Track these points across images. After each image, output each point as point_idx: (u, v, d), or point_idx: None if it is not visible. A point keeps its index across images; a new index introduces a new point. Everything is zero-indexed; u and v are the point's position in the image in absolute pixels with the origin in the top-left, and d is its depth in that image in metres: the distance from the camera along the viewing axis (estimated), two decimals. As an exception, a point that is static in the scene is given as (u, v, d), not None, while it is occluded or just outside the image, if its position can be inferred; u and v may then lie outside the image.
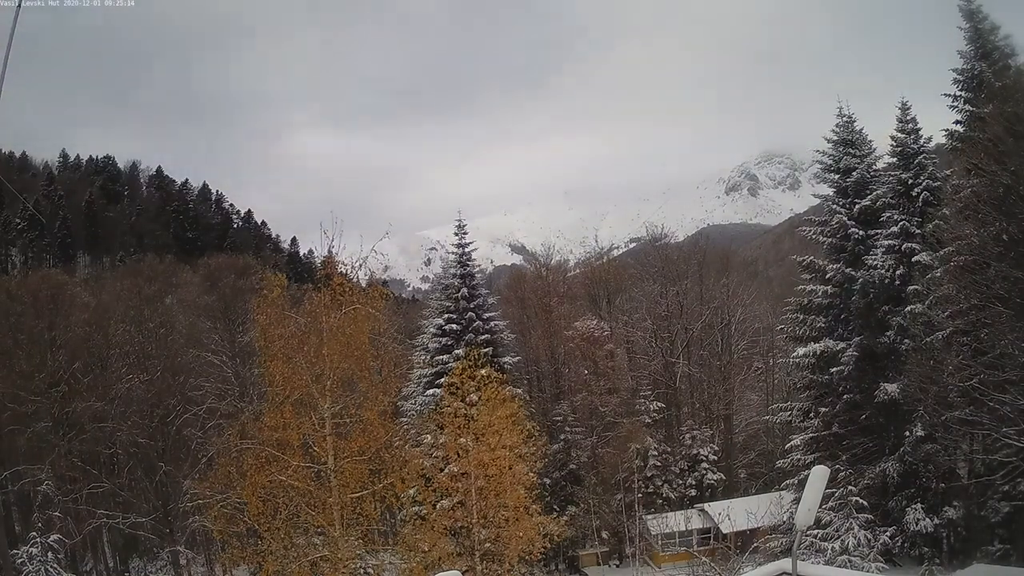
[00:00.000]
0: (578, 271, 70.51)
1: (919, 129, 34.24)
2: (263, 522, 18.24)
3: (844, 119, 36.47)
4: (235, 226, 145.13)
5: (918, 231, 32.28)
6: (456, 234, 41.94)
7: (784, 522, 32.31)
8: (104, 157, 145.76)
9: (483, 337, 38.99)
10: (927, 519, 29.80)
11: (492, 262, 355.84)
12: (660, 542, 40.36)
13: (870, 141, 36.89)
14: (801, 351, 35.71)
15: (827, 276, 35.50)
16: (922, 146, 33.94)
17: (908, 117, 34.58)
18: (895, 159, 35.04)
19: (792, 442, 36.60)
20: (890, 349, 31.83)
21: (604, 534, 42.52)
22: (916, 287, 30.73)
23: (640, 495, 40.43)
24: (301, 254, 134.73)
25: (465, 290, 40.74)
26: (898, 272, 32.13)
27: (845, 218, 35.18)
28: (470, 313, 40.36)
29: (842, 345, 34.08)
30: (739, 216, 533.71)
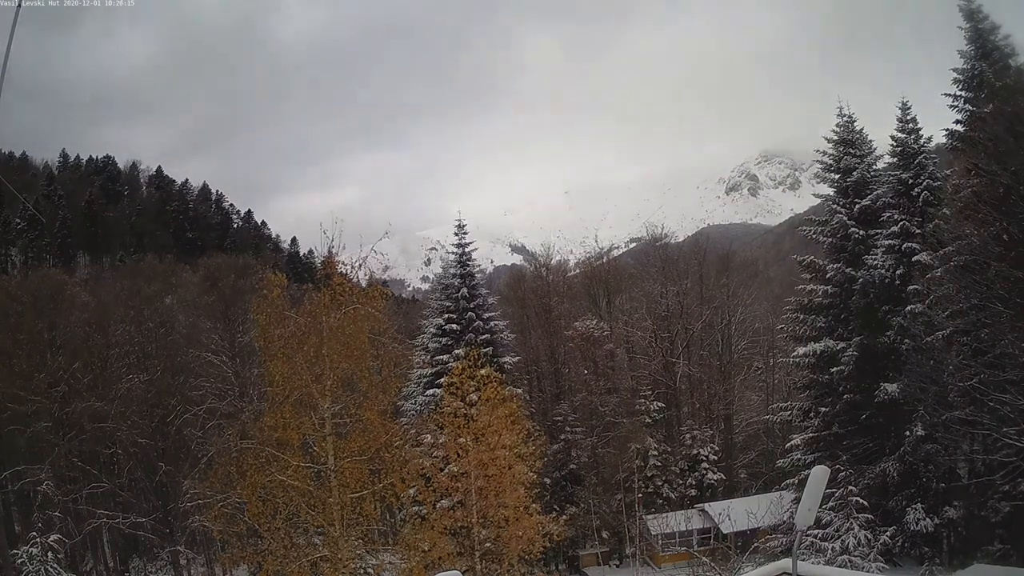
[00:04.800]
0: (578, 271, 70.29)
1: (919, 129, 34.35)
2: (263, 522, 18.23)
3: (844, 119, 36.50)
4: (235, 226, 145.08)
5: (918, 231, 32.31)
6: (456, 234, 41.96)
7: (784, 522, 32.30)
8: (104, 157, 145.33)
9: (483, 337, 39.00)
10: (927, 519, 29.84)
11: (492, 262, 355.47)
12: (660, 542, 40.34)
13: (870, 141, 36.97)
14: (801, 351, 35.76)
15: (827, 276, 35.51)
16: (922, 146, 33.99)
17: (908, 117, 34.65)
18: (895, 159, 35.11)
19: (792, 442, 36.66)
20: (890, 349, 31.85)
21: (604, 534, 42.51)
22: (916, 287, 30.77)
23: (640, 495, 40.43)
24: (301, 254, 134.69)
25: (465, 290, 40.76)
26: (898, 272, 32.16)
27: (845, 218, 35.20)
28: (470, 313, 40.38)
29: (842, 345, 34.11)
30: (739, 216, 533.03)
